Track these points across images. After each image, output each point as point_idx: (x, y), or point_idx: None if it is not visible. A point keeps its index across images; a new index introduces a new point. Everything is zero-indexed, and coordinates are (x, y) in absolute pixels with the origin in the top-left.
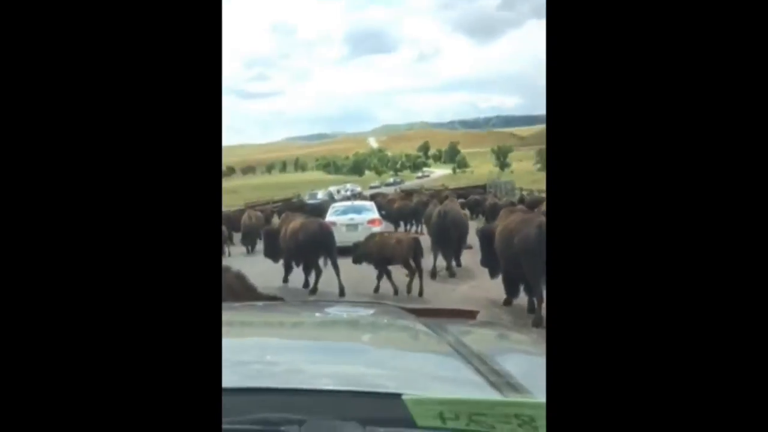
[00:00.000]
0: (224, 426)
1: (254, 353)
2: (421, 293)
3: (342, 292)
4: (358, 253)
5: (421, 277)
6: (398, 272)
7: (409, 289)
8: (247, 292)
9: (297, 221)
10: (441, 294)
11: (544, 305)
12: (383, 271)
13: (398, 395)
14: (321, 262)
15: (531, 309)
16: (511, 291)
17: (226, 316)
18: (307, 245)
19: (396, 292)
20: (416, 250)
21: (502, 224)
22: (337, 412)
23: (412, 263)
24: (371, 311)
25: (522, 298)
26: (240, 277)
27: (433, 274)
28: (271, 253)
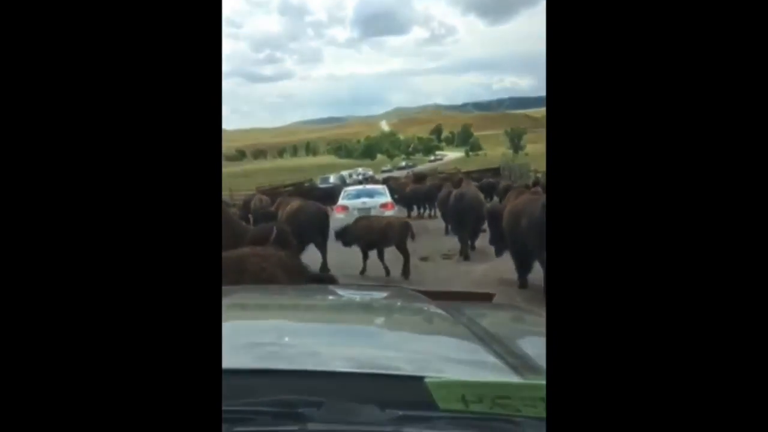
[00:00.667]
0: (242, 407)
1: (269, 335)
2: (406, 275)
3: (325, 269)
4: (347, 235)
5: (407, 260)
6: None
7: (405, 273)
8: (300, 271)
9: (294, 204)
10: (456, 276)
11: None
12: (381, 253)
13: (417, 378)
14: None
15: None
16: (521, 269)
17: (241, 298)
18: (307, 226)
19: (387, 273)
20: (408, 234)
21: (510, 205)
22: (355, 394)
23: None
24: (384, 294)
25: (535, 280)
26: (293, 257)
27: (466, 256)
28: None
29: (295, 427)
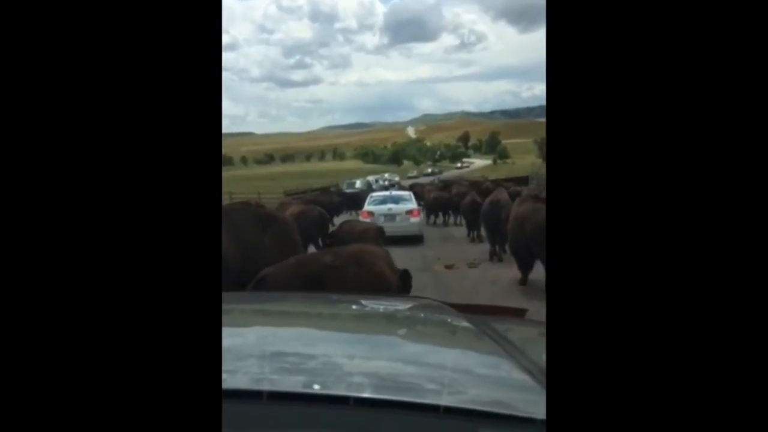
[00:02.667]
0: None
1: (291, 344)
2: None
3: None
4: (334, 237)
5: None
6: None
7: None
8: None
9: (295, 207)
10: (482, 282)
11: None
12: None
13: (454, 410)
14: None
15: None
16: (524, 269)
17: (264, 305)
18: (308, 229)
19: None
20: (380, 239)
21: (515, 211)
22: (388, 429)
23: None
24: (409, 305)
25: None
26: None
27: (499, 258)
28: None
29: None
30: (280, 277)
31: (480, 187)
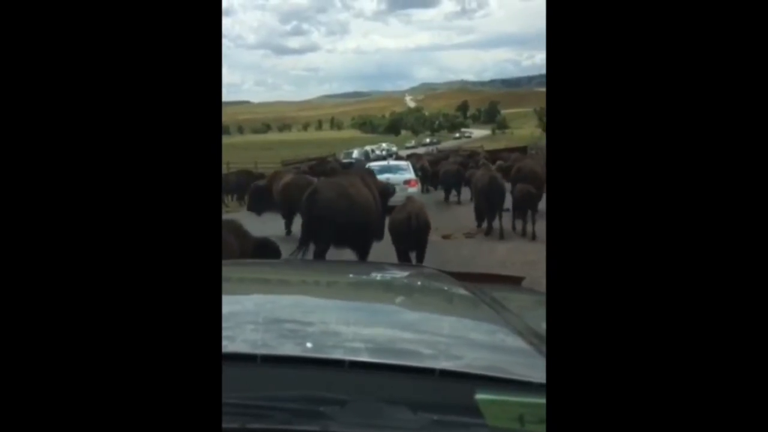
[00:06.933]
0: (263, 402)
1: (289, 311)
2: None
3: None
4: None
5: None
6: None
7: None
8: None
9: (287, 177)
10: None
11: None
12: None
13: (452, 374)
14: None
15: (488, 232)
16: (479, 220)
17: (263, 272)
18: (298, 198)
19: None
20: None
21: (474, 176)
22: (383, 391)
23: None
24: (407, 273)
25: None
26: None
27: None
28: (255, 207)
29: (317, 428)
30: (420, 214)
31: (476, 157)
